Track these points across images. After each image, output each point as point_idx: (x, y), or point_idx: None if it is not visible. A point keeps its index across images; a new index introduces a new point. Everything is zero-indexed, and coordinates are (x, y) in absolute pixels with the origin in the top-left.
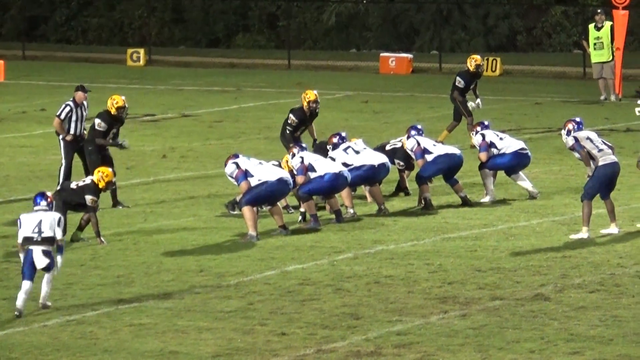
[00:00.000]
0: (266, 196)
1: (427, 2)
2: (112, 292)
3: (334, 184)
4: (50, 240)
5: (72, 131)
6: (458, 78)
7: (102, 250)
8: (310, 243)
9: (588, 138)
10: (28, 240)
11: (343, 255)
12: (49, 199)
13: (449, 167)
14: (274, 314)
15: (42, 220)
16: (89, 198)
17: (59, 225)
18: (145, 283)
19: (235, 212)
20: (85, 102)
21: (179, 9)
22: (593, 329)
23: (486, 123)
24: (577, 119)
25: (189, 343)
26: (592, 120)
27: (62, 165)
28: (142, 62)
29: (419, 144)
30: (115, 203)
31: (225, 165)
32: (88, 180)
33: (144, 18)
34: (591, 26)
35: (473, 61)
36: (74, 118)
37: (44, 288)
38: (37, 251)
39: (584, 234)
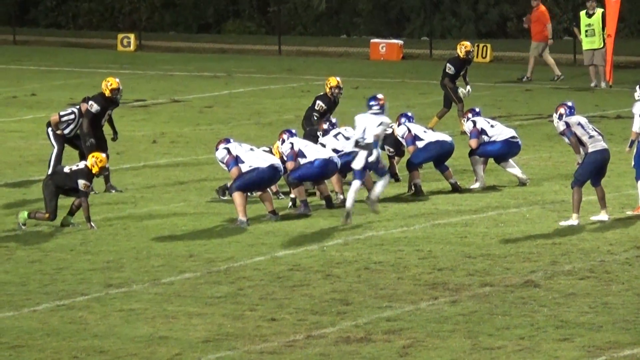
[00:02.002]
0: (257, 182)
1: None
2: (102, 277)
3: (324, 170)
4: None
5: (66, 132)
6: (448, 65)
7: (92, 236)
8: (301, 229)
9: (579, 124)
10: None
11: (333, 241)
12: None
13: (439, 154)
14: (263, 299)
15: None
16: (81, 183)
17: None
18: (135, 268)
19: (226, 198)
20: None
21: None
22: (583, 315)
23: (477, 110)
24: (569, 103)
25: (179, 328)
26: (582, 107)
27: (54, 150)
28: (132, 47)
29: (409, 130)
30: (109, 187)
31: (216, 150)
32: (82, 164)
33: (135, 3)
34: (582, 13)
35: (463, 48)
36: (72, 125)
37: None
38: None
39: (573, 220)
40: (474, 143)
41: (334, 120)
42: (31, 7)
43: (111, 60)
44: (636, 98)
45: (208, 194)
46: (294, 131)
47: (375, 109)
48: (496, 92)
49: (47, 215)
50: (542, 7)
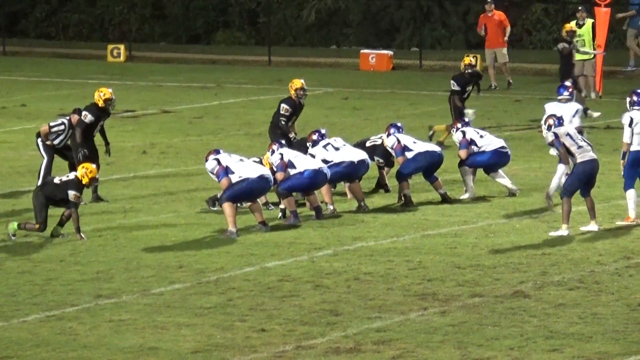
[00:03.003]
0: (246, 193)
1: None
2: (92, 288)
3: (314, 180)
4: None
5: (55, 142)
6: (452, 82)
7: (81, 246)
8: (290, 239)
9: (568, 134)
10: None
11: (323, 251)
12: None
13: (429, 165)
14: (253, 310)
15: None
16: (71, 194)
17: None
18: (124, 279)
19: (216, 208)
20: None
21: (159, 5)
22: (572, 326)
23: (467, 120)
24: (558, 114)
25: (169, 339)
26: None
27: (43, 161)
28: (122, 58)
29: (399, 141)
30: (96, 197)
31: (206, 160)
32: (72, 175)
33: (125, 14)
34: (572, 23)
35: (462, 63)
36: (62, 137)
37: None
38: None
39: (563, 231)
40: (463, 154)
41: (323, 131)
42: (21, 18)
43: (101, 71)
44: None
45: (198, 205)
46: (283, 142)
47: (566, 94)
48: (486, 103)
49: (37, 226)
50: (500, 13)
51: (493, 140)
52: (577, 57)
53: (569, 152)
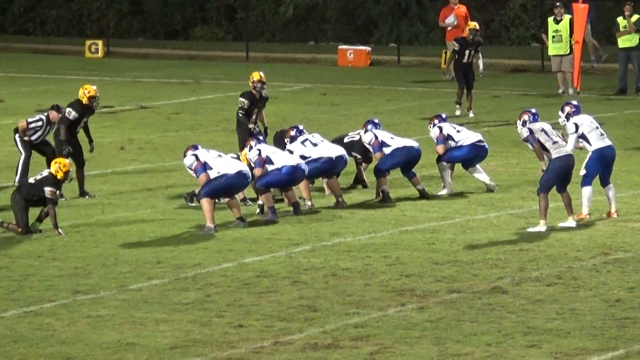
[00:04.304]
0: (224, 189)
1: None
2: (70, 284)
3: (292, 176)
4: None
5: (33, 139)
6: (454, 42)
7: (59, 242)
8: (268, 235)
9: (542, 130)
10: None
11: (300, 247)
12: None
13: (407, 160)
14: (231, 306)
15: None
16: (48, 190)
17: None
18: (102, 275)
19: (194, 204)
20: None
21: (137, 0)
22: (550, 322)
23: (443, 116)
24: (533, 110)
25: (146, 335)
26: (550, 114)
27: (21, 157)
28: (100, 54)
29: (376, 137)
30: (82, 193)
31: (184, 156)
32: (45, 172)
33: (103, 10)
34: (550, 19)
35: (467, 27)
36: (39, 132)
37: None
38: None
39: (541, 227)
40: (440, 149)
41: (301, 127)
42: None
43: (79, 67)
44: (561, 123)
45: (176, 201)
46: (261, 137)
47: None
48: (463, 99)
49: (20, 230)
50: (464, 7)
51: (470, 135)
52: (553, 52)
53: (543, 148)
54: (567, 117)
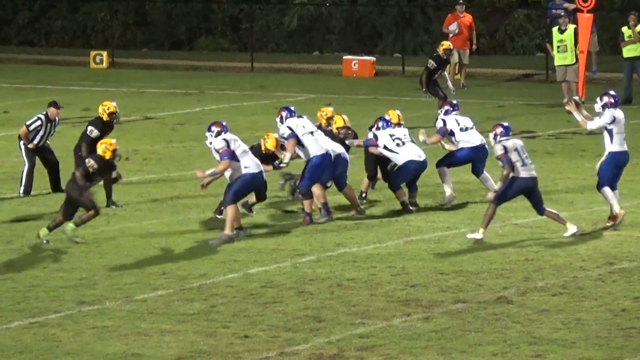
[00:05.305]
0: (248, 187)
1: (390, 5)
2: (75, 295)
3: (323, 164)
4: None
5: (35, 142)
6: (430, 60)
7: (64, 253)
8: (273, 246)
9: (516, 150)
10: None
11: (306, 257)
12: None
13: (416, 172)
14: (236, 316)
15: None
16: (88, 161)
17: None
18: (107, 285)
19: (294, 196)
20: (57, 118)
21: (141, 11)
22: (555, 332)
23: (454, 102)
24: (505, 124)
25: (152, 345)
26: (554, 123)
27: (25, 167)
28: (105, 65)
29: (376, 138)
30: (110, 203)
31: (209, 130)
32: (92, 157)
33: (107, 21)
34: (555, 29)
35: (441, 47)
36: (41, 132)
37: None
38: None
39: (479, 234)
40: (435, 138)
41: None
42: (3, 25)
43: (84, 78)
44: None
45: (181, 211)
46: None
47: None
48: (469, 109)
49: (92, 212)
50: (469, 15)
51: (473, 137)
52: (558, 62)
53: (512, 167)
54: (604, 107)
